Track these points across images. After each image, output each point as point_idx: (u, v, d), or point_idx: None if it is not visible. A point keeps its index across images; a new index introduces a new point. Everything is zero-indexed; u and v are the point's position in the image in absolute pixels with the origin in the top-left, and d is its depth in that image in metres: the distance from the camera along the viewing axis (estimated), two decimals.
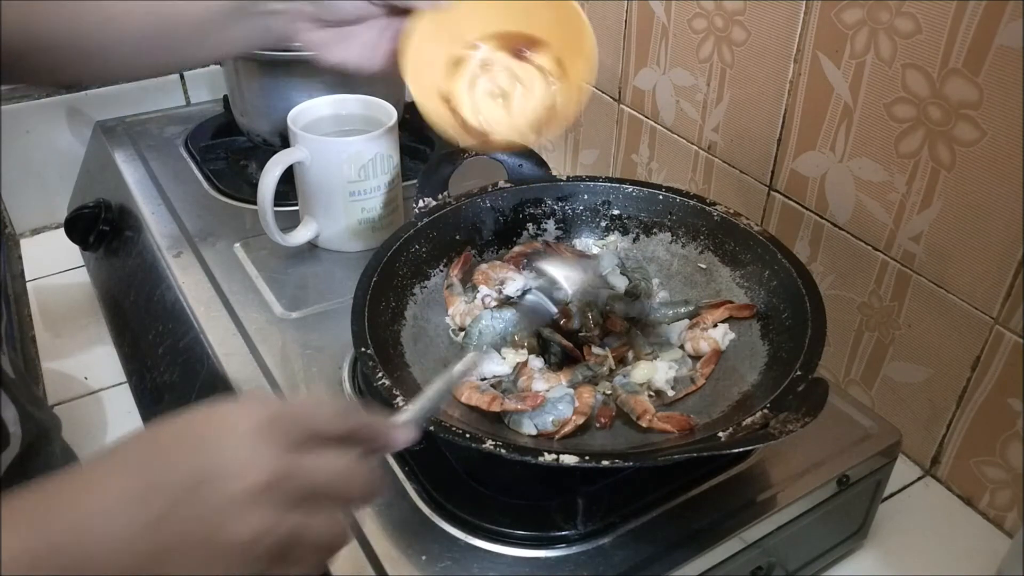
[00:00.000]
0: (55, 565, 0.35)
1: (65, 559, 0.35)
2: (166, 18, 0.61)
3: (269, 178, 0.75)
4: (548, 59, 0.66)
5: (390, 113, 0.82)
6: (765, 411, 0.54)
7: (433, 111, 0.65)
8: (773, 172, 0.82)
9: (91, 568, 0.35)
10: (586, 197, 0.76)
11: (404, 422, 0.45)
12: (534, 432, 0.58)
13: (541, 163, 0.78)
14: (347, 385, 0.67)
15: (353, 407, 0.52)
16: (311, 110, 0.83)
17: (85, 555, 0.36)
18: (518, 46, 0.66)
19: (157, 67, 0.66)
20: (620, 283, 0.71)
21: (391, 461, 0.60)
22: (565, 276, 0.65)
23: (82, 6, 0.58)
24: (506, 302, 0.69)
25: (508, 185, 0.75)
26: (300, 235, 0.81)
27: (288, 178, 0.80)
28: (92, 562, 0.36)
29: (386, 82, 0.99)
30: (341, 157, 0.77)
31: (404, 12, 0.64)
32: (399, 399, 0.54)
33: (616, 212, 0.76)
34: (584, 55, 0.64)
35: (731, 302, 0.68)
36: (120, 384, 0.87)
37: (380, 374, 0.56)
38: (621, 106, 1.01)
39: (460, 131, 0.65)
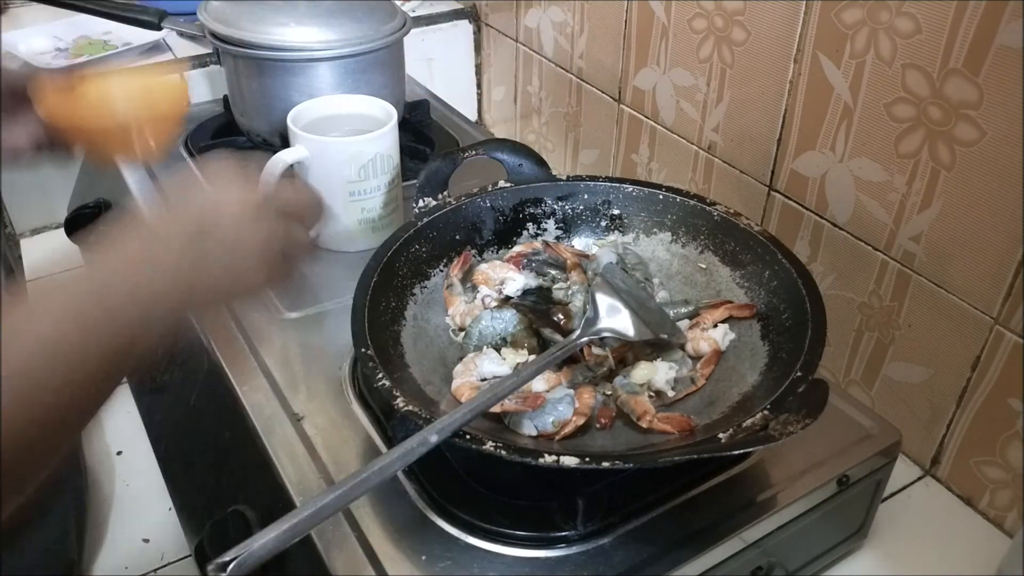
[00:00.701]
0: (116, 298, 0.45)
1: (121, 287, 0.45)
2: None
3: (270, 178, 0.75)
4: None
5: (390, 113, 0.82)
6: (765, 412, 0.54)
7: None
8: (773, 172, 0.82)
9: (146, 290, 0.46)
10: (586, 197, 0.76)
11: None
12: (534, 433, 0.58)
13: (541, 163, 0.78)
14: (347, 385, 0.67)
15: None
16: (311, 110, 0.83)
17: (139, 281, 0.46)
18: None
19: None
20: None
21: None
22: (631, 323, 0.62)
23: None
24: (506, 302, 0.69)
25: (508, 185, 0.75)
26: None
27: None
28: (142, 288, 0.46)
29: (388, 81, 0.99)
30: (341, 157, 0.78)
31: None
32: (399, 399, 0.54)
33: (616, 212, 0.76)
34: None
35: (731, 302, 0.68)
36: (120, 384, 0.86)
37: (380, 374, 0.56)
38: (621, 106, 1.01)
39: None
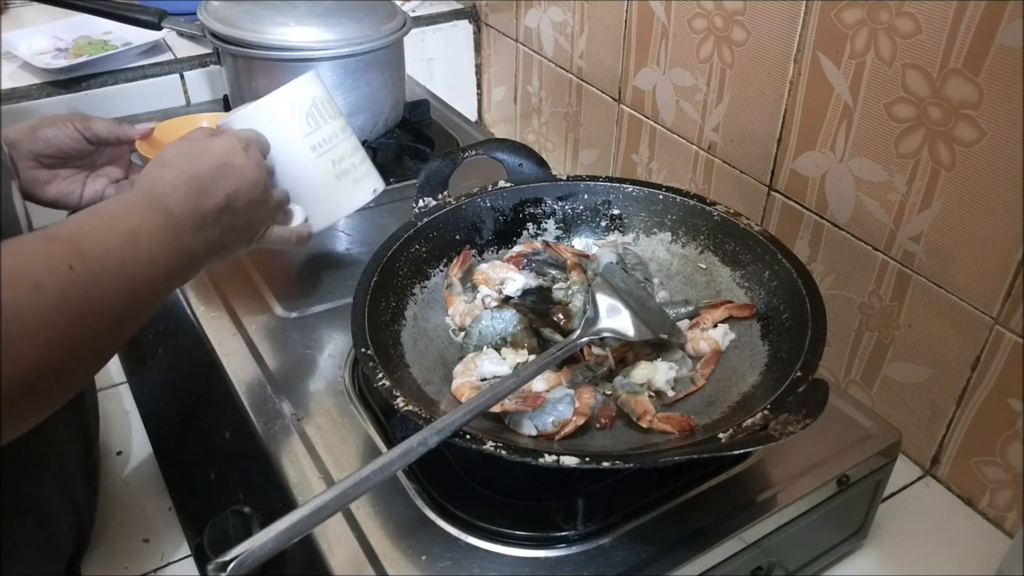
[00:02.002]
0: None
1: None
2: None
3: None
4: None
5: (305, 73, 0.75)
6: (765, 412, 0.54)
7: None
8: (773, 172, 0.83)
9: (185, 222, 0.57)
10: (586, 197, 0.76)
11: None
12: (534, 433, 0.58)
13: (541, 163, 0.78)
14: (347, 385, 0.67)
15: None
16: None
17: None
18: None
19: None
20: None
21: None
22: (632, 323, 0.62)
23: None
24: (506, 302, 0.69)
25: (508, 185, 0.75)
26: (293, 223, 0.74)
27: None
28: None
29: (387, 81, 0.99)
30: (280, 115, 0.71)
31: (115, 149, 0.77)
32: (399, 399, 0.54)
33: (616, 212, 0.76)
34: None
35: (731, 302, 0.68)
36: (120, 384, 0.87)
37: (380, 374, 0.56)
38: (621, 106, 1.01)
39: None
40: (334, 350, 0.71)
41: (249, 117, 0.70)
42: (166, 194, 0.57)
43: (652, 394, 0.62)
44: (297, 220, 0.74)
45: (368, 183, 0.76)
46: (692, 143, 0.92)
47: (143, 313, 0.53)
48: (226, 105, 1.06)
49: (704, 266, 0.72)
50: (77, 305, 0.45)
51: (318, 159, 0.73)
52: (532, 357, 0.64)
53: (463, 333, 0.67)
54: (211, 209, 0.59)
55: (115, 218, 0.52)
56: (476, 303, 0.69)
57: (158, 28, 1.07)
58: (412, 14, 1.16)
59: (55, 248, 0.46)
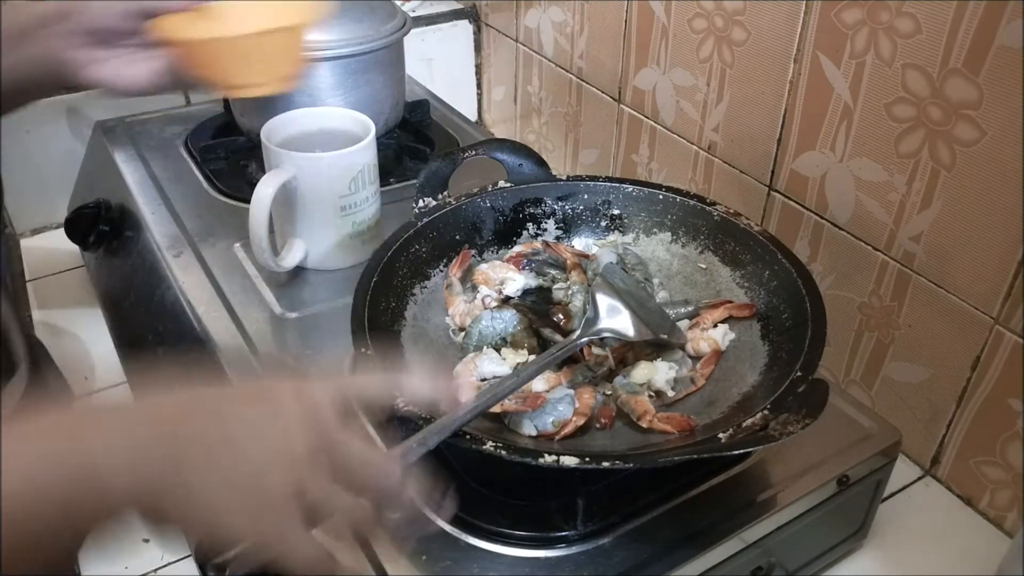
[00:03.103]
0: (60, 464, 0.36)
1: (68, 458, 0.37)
2: None
3: (265, 201, 0.72)
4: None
5: (366, 124, 0.79)
6: (765, 412, 0.54)
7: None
8: (773, 172, 0.83)
9: (95, 468, 0.37)
10: (586, 197, 0.76)
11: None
12: (534, 433, 0.58)
13: (541, 163, 0.78)
14: None
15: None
16: (283, 127, 0.80)
17: (87, 452, 0.37)
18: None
19: None
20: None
21: None
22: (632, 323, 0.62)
23: None
24: (506, 302, 0.69)
25: (508, 185, 0.75)
26: (292, 258, 0.78)
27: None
28: (95, 461, 0.37)
29: (388, 81, 0.99)
30: (334, 172, 0.75)
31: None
32: (399, 399, 0.54)
33: (616, 212, 0.76)
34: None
35: (731, 302, 0.68)
36: (120, 384, 0.87)
37: None
38: (621, 106, 1.01)
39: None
40: (334, 350, 0.71)
41: (299, 162, 0.74)
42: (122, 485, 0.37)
43: (652, 394, 0.62)
44: (295, 255, 0.78)
45: (374, 245, 0.75)
46: (692, 143, 0.92)
47: None
48: (226, 105, 1.06)
49: (704, 266, 0.72)
50: None
51: (342, 217, 0.78)
52: (532, 357, 0.64)
53: (463, 333, 0.67)
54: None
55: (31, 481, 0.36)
56: (476, 303, 0.69)
57: None
58: (412, 14, 1.16)
59: None
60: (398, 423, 0.62)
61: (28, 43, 0.63)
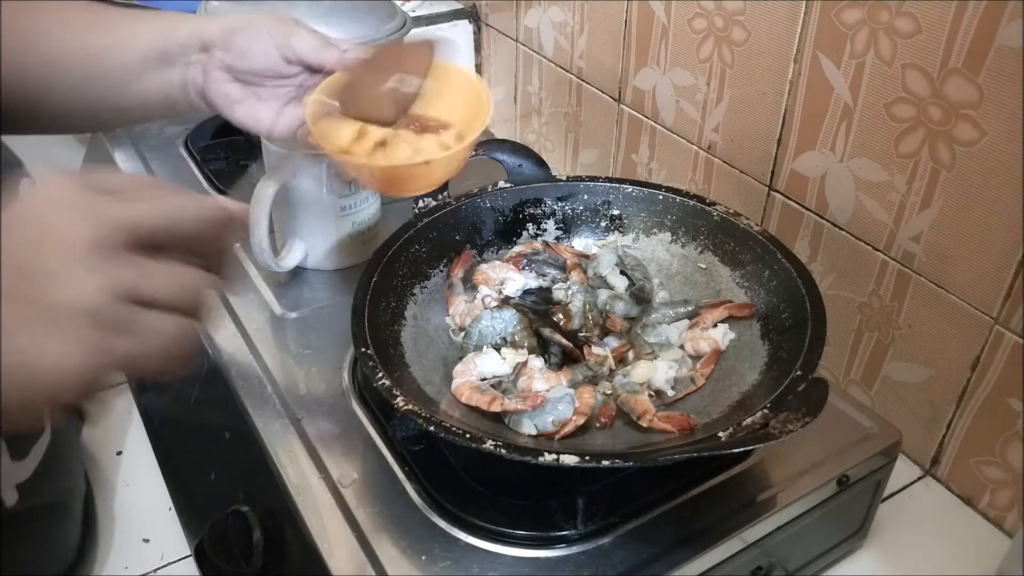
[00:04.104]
0: None
1: None
2: (96, 59, 0.62)
3: (265, 202, 0.71)
4: (450, 135, 0.64)
5: None
6: (765, 411, 0.54)
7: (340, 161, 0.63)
8: (773, 172, 0.83)
9: None
10: (586, 197, 0.76)
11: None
12: (534, 432, 0.58)
13: (541, 163, 0.78)
14: (347, 385, 0.67)
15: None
16: None
17: None
18: (423, 124, 0.64)
19: (91, 113, 0.64)
20: (620, 283, 0.71)
21: (391, 461, 0.60)
22: None
23: (22, 45, 0.60)
24: (506, 302, 0.69)
25: (508, 185, 0.76)
26: (292, 258, 0.79)
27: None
28: None
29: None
30: (332, 172, 0.75)
31: (313, 77, 0.63)
32: (399, 399, 0.54)
33: (616, 212, 0.76)
34: (482, 121, 0.63)
35: (731, 302, 0.68)
36: (120, 384, 0.87)
37: (380, 374, 0.56)
38: (621, 106, 1.01)
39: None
40: (334, 350, 0.71)
41: (299, 163, 0.74)
42: None
43: (652, 393, 0.62)
44: (295, 255, 0.78)
45: (375, 244, 0.75)
46: (692, 143, 0.92)
47: None
48: None
49: (704, 266, 0.72)
50: None
51: (342, 217, 0.78)
52: (532, 357, 0.64)
53: (463, 333, 0.67)
54: None
55: None
56: (476, 303, 0.69)
57: None
58: (412, 14, 1.16)
59: None
60: (398, 423, 0.62)
61: (168, 68, 0.62)
